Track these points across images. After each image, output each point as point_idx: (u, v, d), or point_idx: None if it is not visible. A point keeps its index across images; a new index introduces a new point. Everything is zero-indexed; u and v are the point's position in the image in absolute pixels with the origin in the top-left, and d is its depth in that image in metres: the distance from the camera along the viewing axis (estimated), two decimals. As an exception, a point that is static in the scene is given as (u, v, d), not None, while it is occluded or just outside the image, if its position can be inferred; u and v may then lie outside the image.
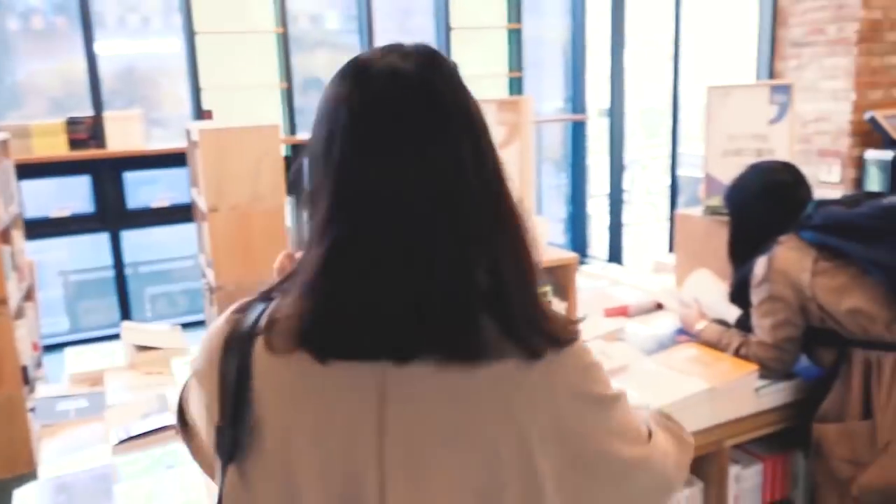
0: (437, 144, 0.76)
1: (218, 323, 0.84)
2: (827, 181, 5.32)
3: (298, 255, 0.82)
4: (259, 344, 0.78)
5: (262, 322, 0.79)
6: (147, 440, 1.66)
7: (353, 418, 0.76)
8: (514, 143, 1.99)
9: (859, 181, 5.23)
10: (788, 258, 1.83)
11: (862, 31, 5.21)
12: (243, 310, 0.83)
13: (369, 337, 0.75)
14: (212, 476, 0.88)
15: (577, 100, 6.50)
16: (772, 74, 5.79)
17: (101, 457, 1.61)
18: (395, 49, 0.80)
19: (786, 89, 2.45)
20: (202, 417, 0.86)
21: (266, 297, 0.83)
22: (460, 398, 0.76)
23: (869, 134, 5.25)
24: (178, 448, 1.63)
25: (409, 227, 0.74)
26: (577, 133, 6.54)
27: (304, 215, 0.81)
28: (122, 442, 1.64)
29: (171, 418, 1.72)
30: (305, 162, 0.82)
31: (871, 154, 5.11)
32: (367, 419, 0.76)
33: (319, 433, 0.77)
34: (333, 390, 0.77)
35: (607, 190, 6.49)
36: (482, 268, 0.76)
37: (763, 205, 1.96)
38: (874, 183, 5.12)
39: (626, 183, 6.65)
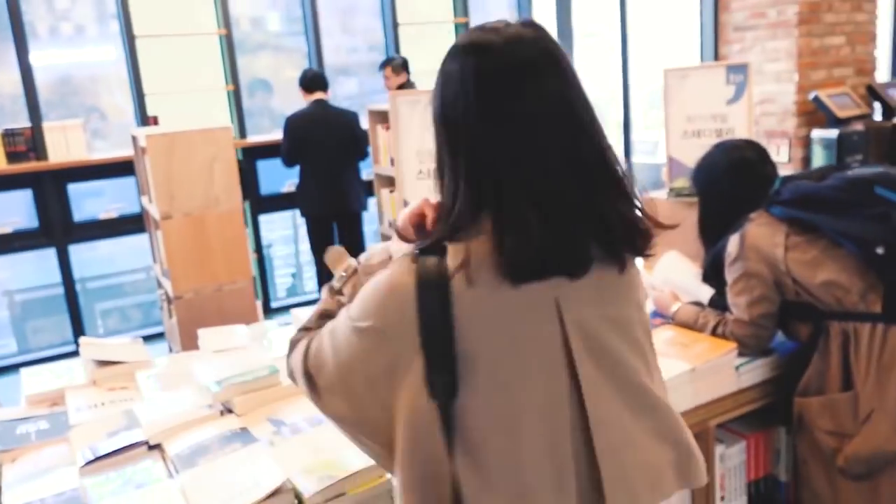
0: (566, 90, 0.94)
1: (395, 277, 0.94)
2: (776, 161, 5.42)
3: (431, 205, 1.01)
4: (456, 282, 0.91)
5: (452, 263, 0.91)
6: (116, 459, 1.58)
7: (543, 328, 0.94)
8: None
9: (807, 160, 5.35)
10: (760, 234, 1.83)
11: (802, 13, 5.32)
12: (413, 262, 0.93)
13: (554, 260, 0.92)
14: (356, 433, 1.00)
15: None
16: (716, 59, 5.88)
17: (68, 480, 1.52)
18: (501, 22, 0.97)
19: (742, 69, 2.46)
20: (379, 371, 0.94)
21: (428, 247, 0.95)
22: (609, 298, 0.99)
23: (813, 113, 5.37)
24: (150, 466, 1.55)
25: (565, 161, 0.92)
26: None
27: (452, 168, 0.95)
28: (89, 463, 1.55)
29: (139, 435, 1.64)
30: (437, 129, 0.97)
31: (817, 133, 5.23)
32: (552, 328, 0.94)
33: (520, 348, 0.93)
34: (525, 309, 0.93)
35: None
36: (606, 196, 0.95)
37: (731, 182, 1.97)
38: (820, 161, 5.25)
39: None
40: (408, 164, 1.96)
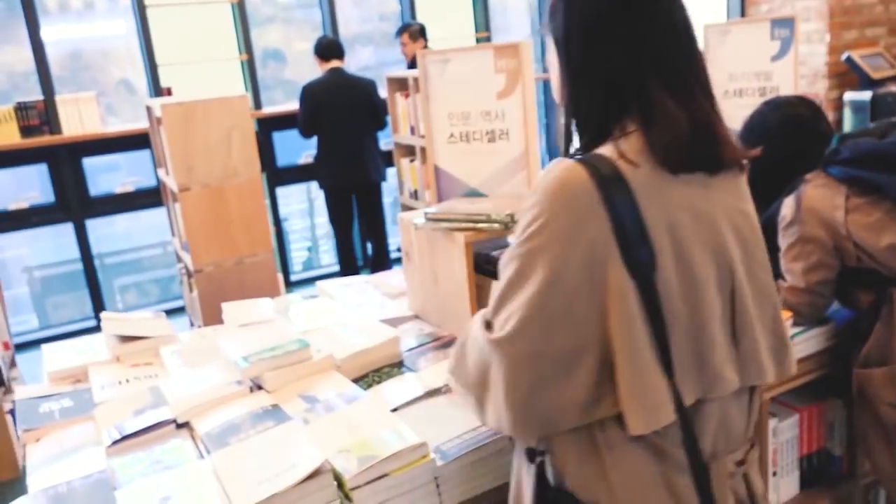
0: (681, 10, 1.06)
1: (562, 175, 0.99)
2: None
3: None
4: (623, 166, 0.98)
5: (620, 158, 0.99)
6: (144, 438, 1.51)
7: (701, 211, 1.02)
8: (516, 92, 1.84)
9: (839, 123, 5.18)
10: (818, 196, 1.72)
11: (834, -30, 5.13)
12: (571, 161, 1.00)
13: (700, 154, 1.02)
14: (562, 368, 0.98)
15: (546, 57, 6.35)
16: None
17: (95, 460, 1.45)
18: None
19: (788, 23, 2.33)
20: (577, 269, 0.96)
21: (586, 153, 1.03)
22: (737, 194, 1.09)
23: (845, 75, 5.20)
24: (179, 445, 1.48)
25: (696, 67, 1.05)
26: (549, 92, 6.40)
27: (587, 80, 1.05)
28: (116, 442, 1.48)
29: (166, 413, 1.57)
30: (568, 43, 1.06)
31: (850, 95, 5.06)
32: (709, 209, 1.03)
33: (689, 225, 1.00)
34: (684, 193, 1.01)
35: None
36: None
37: (784, 142, 1.85)
38: (852, 125, 5.08)
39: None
40: (439, 129, 1.85)
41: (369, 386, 1.65)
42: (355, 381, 1.67)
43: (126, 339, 1.96)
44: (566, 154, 1.08)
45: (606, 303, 0.97)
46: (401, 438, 1.32)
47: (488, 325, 1.05)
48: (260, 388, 1.66)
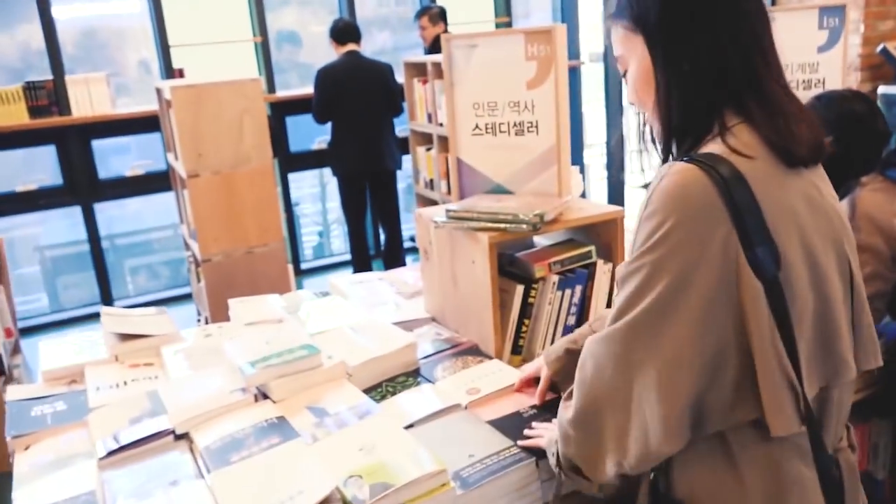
0: None
1: (679, 177, 0.94)
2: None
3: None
4: (737, 161, 0.95)
5: (733, 153, 0.96)
6: (140, 450, 1.40)
7: (815, 203, 1.00)
8: (547, 82, 1.71)
9: (872, 118, 4.99)
10: (875, 201, 1.59)
11: (870, -43, 4.93)
12: (693, 165, 0.95)
13: (806, 147, 0.99)
14: (700, 374, 0.95)
15: (569, 45, 6.17)
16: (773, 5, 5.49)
17: (86, 475, 1.34)
18: None
19: (838, 11, 2.17)
20: (709, 272, 0.93)
21: (693, 153, 0.99)
22: (828, 190, 1.06)
23: (879, 67, 5.00)
24: (177, 458, 1.37)
25: (775, 50, 1.03)
26: (571, 80, 6.23)
27: (686, 77, 1.00)
28: (109, 454, 1.37)
29: (165, 422, 1.45)
30: (665, 40, 1.02)
31: (884, 89, 4.87)
32: (821, 202, 1.01)
33: (807, 217, 0.98)
34: (799, 185, 0.99)
35: (603, 138, 6.21)
36: None
37: (837, 140, 1.70)
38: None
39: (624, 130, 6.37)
40: (463, 119, 1.72)
41: (383, 397, 1.53)
42: (368, 390, 1.56)
43: (126, 337, 1.85)
44: (665, 159, 1.04)
45: (742, 304, 0.93)
46: (417, 464, 1.20)
47: (614, 344, 1.00)
48: (266, 396, 1.55)
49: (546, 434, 1.25)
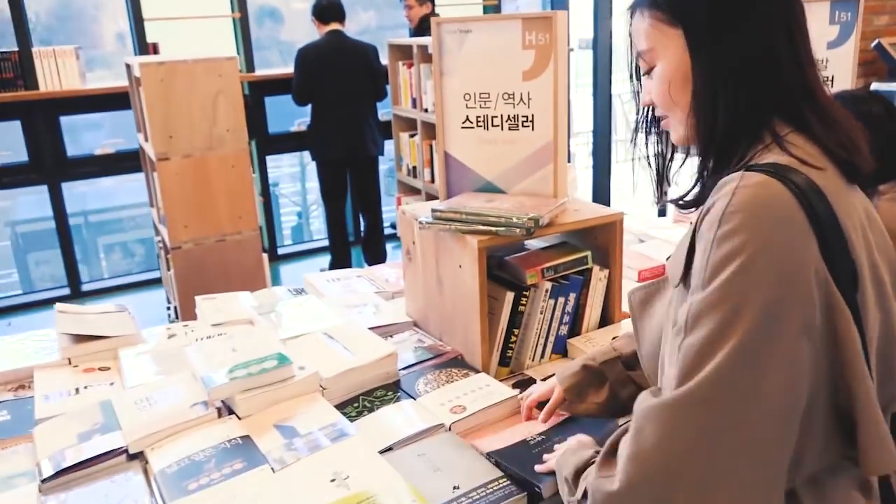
0: None
1: (765, 194, 0.82)
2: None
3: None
4: (819, 180, 0.85)
5: (802, 164, 0.86)
6: (89, 471, 1.26)
7: (868, 210, 0.95)
8: (545, 73, 1.57)
9: (864, 115, 4.92)
10: (894, 213, 1.47)
11: (867, -50, 4.82)
12: (766, 177, 0.84)
13: (868, 164, 0.93)
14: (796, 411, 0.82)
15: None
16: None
17: (28, 499, 1.21)
18: None
19: (851, 5, 2.06)
20: (803, 298, 0.80)
21: (755, 164, 0.88)
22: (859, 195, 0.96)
23: (873, 63, 4.91)
24: (129, 480, 1.23)
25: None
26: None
27: (735, 87, 0.90)
28: (52, 476, 1.23)
29: (118, 439, 1.31)
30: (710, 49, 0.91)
31: (877, 86, 4.78)
32: (870, 209, 0.96)
33: (866, 227, 0.91)
34: (858, 197, 0.93)
35: (590, 126, 6.09)
36: None
37: (853, 145, 1.59)
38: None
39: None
40: (453, 111, 1.59)
41: (359, 413, 1.40)
42: (343, 405, 1.43)
43: (81, 338, 1.70)
44: (703, 168, 0.94)
45: (837, 333, 0.83)
46: (395, 500, 1.07)
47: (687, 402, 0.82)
48: (231, 410, 1.41)
49: (557, 456, 1.12)
